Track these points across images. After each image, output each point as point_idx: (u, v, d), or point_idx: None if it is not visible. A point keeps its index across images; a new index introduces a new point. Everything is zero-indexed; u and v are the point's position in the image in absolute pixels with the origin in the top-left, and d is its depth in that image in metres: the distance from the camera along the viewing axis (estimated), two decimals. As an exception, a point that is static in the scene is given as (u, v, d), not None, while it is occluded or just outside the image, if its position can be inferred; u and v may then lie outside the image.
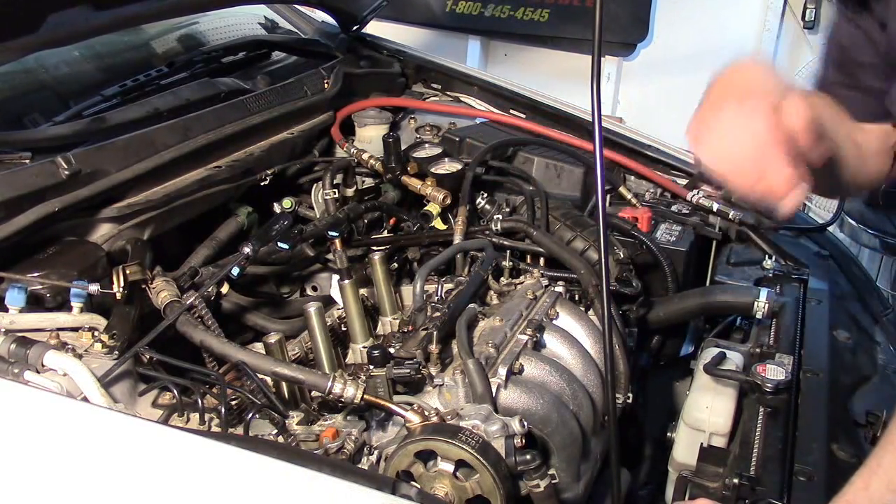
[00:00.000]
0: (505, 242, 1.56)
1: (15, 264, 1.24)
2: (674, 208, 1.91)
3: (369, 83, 2.19)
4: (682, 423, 1.31)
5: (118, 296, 1.25)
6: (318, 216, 1.79)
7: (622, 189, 1.92)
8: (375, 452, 1.10)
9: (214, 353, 1.21)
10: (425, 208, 1.74)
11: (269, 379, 1.17)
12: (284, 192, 1.80)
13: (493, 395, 1.15)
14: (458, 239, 1.58)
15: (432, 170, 1.79)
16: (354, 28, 2.27)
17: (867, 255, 3.12)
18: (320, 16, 2.37)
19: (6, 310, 1.17)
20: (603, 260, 0.94)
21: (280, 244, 1.47)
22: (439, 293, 1.39)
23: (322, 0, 2.22)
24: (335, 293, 1.59)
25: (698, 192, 1.91)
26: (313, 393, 1.17)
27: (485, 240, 1.56)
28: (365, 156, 1.87)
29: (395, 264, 1.71)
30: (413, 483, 1.00)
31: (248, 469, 0.87)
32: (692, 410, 1.30)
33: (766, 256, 1.75)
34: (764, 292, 1.52)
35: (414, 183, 1.77)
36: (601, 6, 0.91)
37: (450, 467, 1.02)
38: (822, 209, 3.27)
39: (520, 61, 4.36)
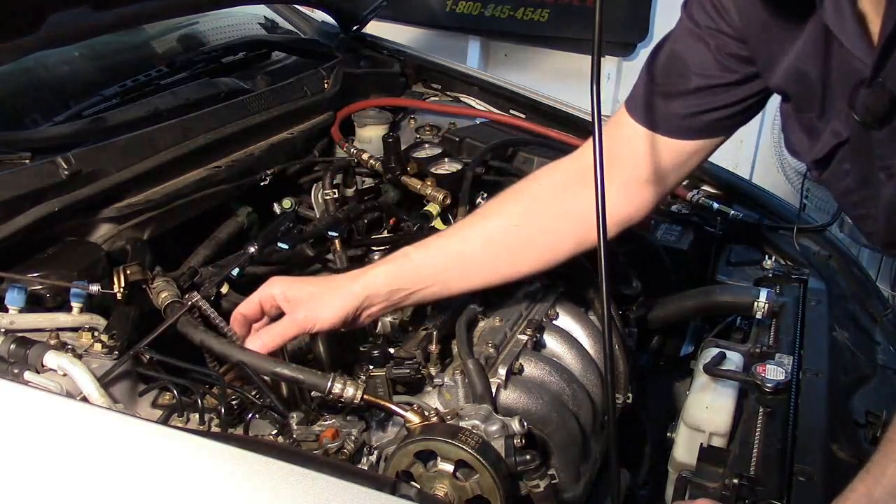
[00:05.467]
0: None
1: (15, 264, 1.24)
2: (674, 208, 1.91)
3: (369, 83, 2.19)
4: (682, 423, 1.31)
5: (118, 296, 1.25)
6: (317, 216, 1.79)
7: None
8: (375, 452, 1.10)
9: (214, 353, 1.21)
10: (425, 208, 1.74)
11: (268, 379, 1.17)
12: (284, 192, 1.80)
13: (493, 395, 1.15)
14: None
15: (432, 170, 1.79)
16: (354, 28, 2.27)
17: (867, 255, 3.12)
18: (320, 16, 2.37)
19: (6, 310, 1.17)
20: (603, 260, 0.94)
21: (280, 244, 1.47)
22: (439, 293, 1.39)
23: (322, 0, 2.22)
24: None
25: (698, 192, 1.91)
26: (313, 393, 1.17)
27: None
28: (365, 156, 1.87)
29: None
30: (413, 483, 1.00)
31: (248, 469, 0.87)
32: (692, 410, 1.30)
33: (766, 256, 1.75)
34: (764, 292, 1.52)
35: (414, 183, 1.77)
36: (601, 6, 0.91)
37: (449, 467, 1.02)
38: (823, 209, 3.27)
39: (520, 61, 4.36)
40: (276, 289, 1.23)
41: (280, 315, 1.24)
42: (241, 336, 1.23)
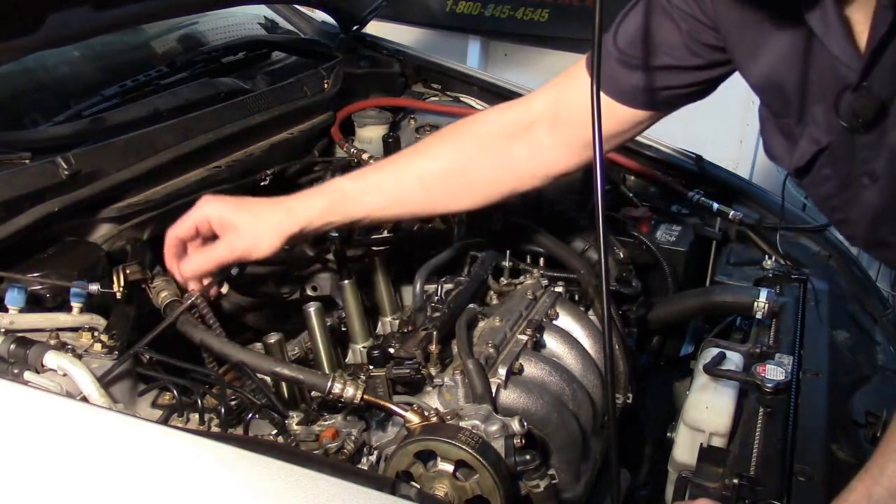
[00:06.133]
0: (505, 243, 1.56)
1: (15, 264, 1.24)
2: (674, 208, 1.91)
3: (369, 83, 2.19)
4: (682, 423, 1.31)
5: (118, 296, 1.25)
6: (318, 216, 1.79)
7: (622, 189, 1.92)
8: (375, 452, 1.10)
9: (214, 352, 1.21)
10: (425, 208, 1.73)
11: (268, 379, 1.17)
12: (284, 192, 1.79)
13: (493, 395, 1.15)
14: (457, 239, 1.58)
15: (432, 170, 1.79)
16: (354, 28, 2.27)
17: (867, 255, 3.12)
18: (320, 16, 2.37)
19: (6, 310, 1.16)
20: (603, 260, 0.94)
21: (280, 244, 1.47)
22: (439, 293, 1.39)
23: (322, 0, 2.22)
24: (335, 293, 1.59)
25: (698, 192, 1.92)
26: (313, 393, 1.17)
27: (485, 240, 1.56)
28: (365, 156, 1.87)
29: (395, 264, 1.70)
30: (413, 483, 1.00)
31: (248, 469, 0.87)
32: (692, 410, 1.30)
33: (766, 256, 1.75)
34: (764, 292, 1.52)
35: (414, 183, 1.77)
36: (601, 6, 0.91)
37: (449, 467, 1.02)
38: (823, 209, 3.27)
39: (520, 61, 4.36)
40: (211, 210, 1.25)
41: (213, 237, 1.26)
42: (174, 261, 1.26)
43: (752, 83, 1.07)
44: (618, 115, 1.21)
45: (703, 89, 1.18)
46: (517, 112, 1.31)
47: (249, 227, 1.24)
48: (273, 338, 1.25)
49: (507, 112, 1.32)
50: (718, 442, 1.27)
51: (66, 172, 1.32)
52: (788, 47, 0.98)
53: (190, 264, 1.24)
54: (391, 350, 1.22)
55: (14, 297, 1.17)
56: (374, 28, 2.34)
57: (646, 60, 1.15)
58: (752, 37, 1.03)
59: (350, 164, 1.87)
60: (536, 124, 1.28)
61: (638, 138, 2.05)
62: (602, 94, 1.17)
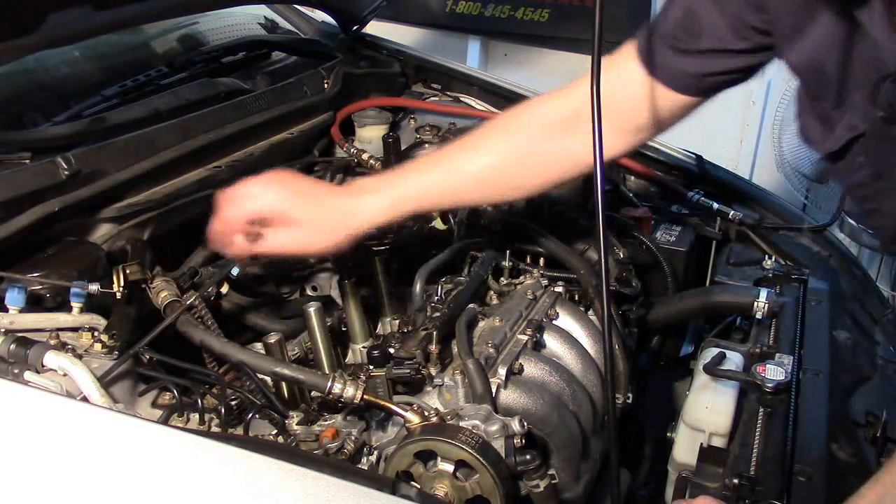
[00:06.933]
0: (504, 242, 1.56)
1: (15, 264, 1.24)
2: (674, 208, 1.91)
3: (369, 83, 2.19)
4: (682, 423, 1.31)
5: (118, 296, 1.25)
6: (318, 216, 1.79)
7: (622, 189, 1.92)
8: (375, 452, 1.10)
9: (214, 353, 1.21)
10: (425, 208, 1.73)
11: (268, 379, 1.17)
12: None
13: (493, 395, 1.15)
14: (457, 239, 1.58)
15: (432, 170, 1.79)
16: (354, 28, 2.27)
17: (867, 255, 3.13)
18: (320, 16, 2.37)
19: (6, 310, 1.17)
20: (603, 260, 0.94)
21: (280, 244, 1.47)
22: (439, 293, 1.39)
23: (322, 0, 2.22)
24: (335, 293, 1.59)
25: (698, 192, 1.92)
26: (313, 393, 1.17)
27: (485, 240, 1.56)
28: (365, 156, 1.87)
29: (395, 264, 1.70)
30: (413, 483, 1.00)
31: (248, 469, 0.87)
32: (692, 410, 1.30)
33: (766, 256, 1.75)
34: (764, 292, 1.52)
35: (414, 183, 1.77)
36: (601, 6, 0.91)
37: (450, 467, 1.02)
38: (823, 209, 3.27)
39: (520, 61, 4.36)
40: (273, 202, 1.23)
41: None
42: (224, 239, 1.25)
43: (793, 64, 1.06)
44: (665, 101, 1.20)
45: (741, 77, 1.16)
46: (564, 102, 1.30)
47: (312, 225, 1.23)
48: (273, 338, 1.25)
49: (554, 102, 1.31)
50: (718, 442, 1.27)
51: (66, 172, 1.32)
52: (832, 31, 0.96)
53: (243, 247, 1.23)
54: (391, 350, 1.22)
55: (14, 297, 1.17)
56: (374, 28, 2.34)
57: (694, 44, 1.14)
58: (798, 17, 1.01)
59: (350, 165, 1.87)
60: (585, 112, 1.27)
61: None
62: (652, 78, 1.18)
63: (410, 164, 1.35)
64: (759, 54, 1.12)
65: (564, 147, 1.28)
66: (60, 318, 1.19)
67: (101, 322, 1.22)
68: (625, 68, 1.22)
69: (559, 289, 1.46)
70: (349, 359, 1.42)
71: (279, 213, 1.23)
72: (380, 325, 1.51)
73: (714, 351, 1.37)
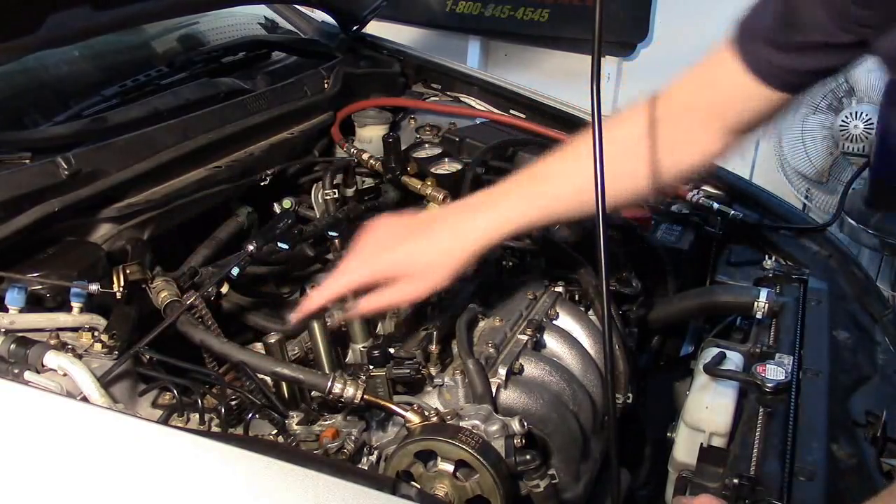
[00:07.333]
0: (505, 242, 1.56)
1: (15, 264, 1.24)
2: (674, 208, 1.91)
3: (369, 83, 2.19)
4: (682, 423, 1.31)
5: (118, 296, 1.25)
6: (317, 216, 1.79)
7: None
8: (375, 452, 1.10)
9: (214, 353, 1.21)
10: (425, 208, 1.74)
11: (268, 379, 1.17)
12: (284, 192, 1.80)
13: (493, 395, 1.15)
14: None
15: (432, 170, 1.79)
16: (354, 28, 2.27)
17: (867, 255, 3.13)
18: (320, 16, 2.37)
19: (6, 310, 1.17)
20: (603, 260, 0.94)
21: (280, 244, 1.47)
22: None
23: (322, 0, 2.22)
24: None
25: (698, 192, 1.91)
26: (313, 393, 1.17)
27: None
28: (365, 156, 1.87)
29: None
30: (413, 483, 1.01)
31: (248, 469, 0.87)
32: (692, 410, 1.30)
33: (766, 256, 1.75)
34: (764, 292, 1.52)
35: (414, 183, 1.77)
36: (601, 6, 0.91)
37: (450, 467, 1.02)
38: (823, 209, 3.27)
39: (520, 61, 4.36)
40: (383, 267, 1.21)
41: None
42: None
43: (884, 54, 1.02)
44: (763, 100, 1.15)
45: (831, 75, 1.13)
46: (665, 105, 1.23)
47: (428, 271, 1.20)
48: (273, 338, 1.24)
49: (655, 107, 1.24)
50: (718, 442, 1.27)
51: (66, 172, 1.32)
52: None
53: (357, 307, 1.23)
54: (391, 350, 1.22)
55: (14, 297, 1.17)
56: (374, 28, 2.34)
57: (795, 38, 1.09)
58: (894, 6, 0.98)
59: (350, 165, 1.87)
60: (687, 114, 1.22)
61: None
62: (750, 75, 1.12)
63: (514, 186, 1.27)
64: (857, 49, 1.07)
65: (668, 149, 1.22)
66: (60, 318, 1.19)
67: (101, 322, 1.22)
68: (721, 66, 1.17)
69: (559, 289, 1.46)
70: (349, 359, 1.42)
71: (392, 274, 1.21)
72: (380, 325, 1.51)
73: (714, 351, 1.37)
